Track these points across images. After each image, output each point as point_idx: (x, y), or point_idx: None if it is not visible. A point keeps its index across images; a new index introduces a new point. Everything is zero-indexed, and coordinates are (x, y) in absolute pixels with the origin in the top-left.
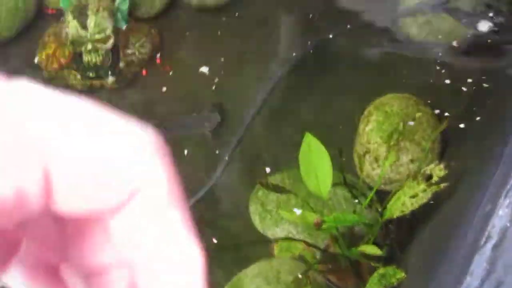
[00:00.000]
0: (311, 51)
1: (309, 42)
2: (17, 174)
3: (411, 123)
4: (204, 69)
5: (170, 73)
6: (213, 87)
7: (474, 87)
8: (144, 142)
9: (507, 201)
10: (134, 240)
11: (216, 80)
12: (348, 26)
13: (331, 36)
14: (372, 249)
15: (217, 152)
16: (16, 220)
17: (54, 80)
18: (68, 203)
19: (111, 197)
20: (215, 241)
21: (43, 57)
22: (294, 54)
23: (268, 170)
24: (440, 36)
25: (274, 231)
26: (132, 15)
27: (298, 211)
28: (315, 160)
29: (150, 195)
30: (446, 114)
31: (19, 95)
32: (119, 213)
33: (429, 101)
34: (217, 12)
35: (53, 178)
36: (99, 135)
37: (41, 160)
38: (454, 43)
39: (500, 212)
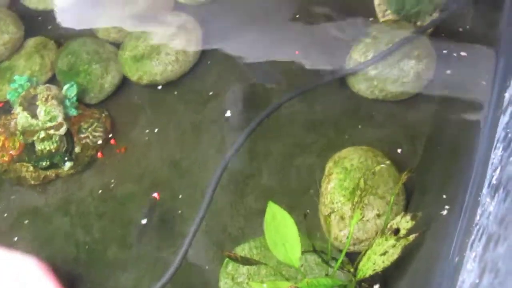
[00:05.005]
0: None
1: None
2: None
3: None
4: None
5: (125, 153)
6: (171, 164)
7: (427, 137)
8: (28, 271)
9: (473, 254)
10: None
11: (173, 156)
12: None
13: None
14: None
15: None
16: None
17: (6, 173)
18: None
19: None
20: None
21: None
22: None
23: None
24: (385, 92)
25: None
26: (81, 100)
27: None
28: (281, 229)
29: None
30: (405, 164)
31: None
32: None
33: (386, 153)
34: (167, 87)
35: None
36: None
37: None
38: None
39: (468, 266)
